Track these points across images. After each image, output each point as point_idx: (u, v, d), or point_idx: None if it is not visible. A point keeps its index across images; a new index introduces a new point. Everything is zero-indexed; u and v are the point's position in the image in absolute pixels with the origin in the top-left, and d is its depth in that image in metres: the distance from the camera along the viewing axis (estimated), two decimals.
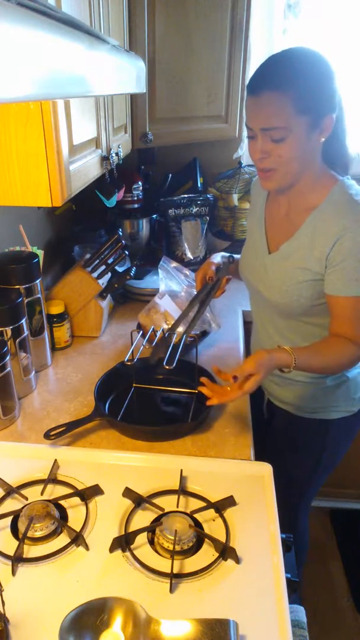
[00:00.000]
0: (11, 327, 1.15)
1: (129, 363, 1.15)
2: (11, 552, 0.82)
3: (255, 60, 1.90)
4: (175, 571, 0.79)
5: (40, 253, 1.39)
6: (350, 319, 1.07)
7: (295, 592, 0.85)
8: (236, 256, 1.39)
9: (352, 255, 1.03)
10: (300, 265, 1.10)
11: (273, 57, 1.03)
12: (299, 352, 1.04)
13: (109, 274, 1.56)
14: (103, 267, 1.54)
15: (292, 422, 1.32)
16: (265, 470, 1.00)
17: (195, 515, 0.90)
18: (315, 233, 1.08)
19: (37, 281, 1.27)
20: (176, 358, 1.12)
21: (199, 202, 2.00)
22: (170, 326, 1.39)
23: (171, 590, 0.78)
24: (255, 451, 1.09)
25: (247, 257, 1.30)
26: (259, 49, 1.92)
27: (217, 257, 1.37)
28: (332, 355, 1.09)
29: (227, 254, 1.39)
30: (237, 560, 0.82)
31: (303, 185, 1.10)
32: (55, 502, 0.92)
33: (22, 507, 0.90)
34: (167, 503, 0.93)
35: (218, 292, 1.33)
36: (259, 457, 1.08)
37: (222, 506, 0.92)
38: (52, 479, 0.99)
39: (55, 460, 1.02)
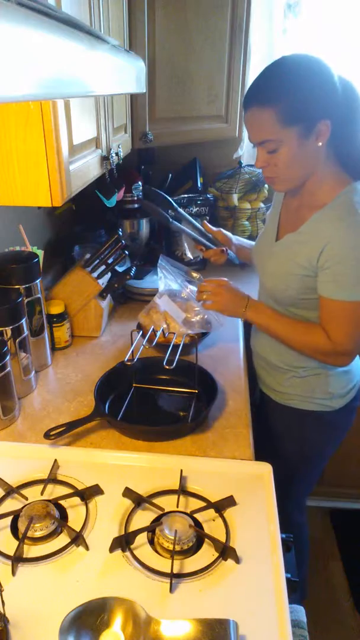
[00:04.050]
0: (11, 327, 1.15)
1: (129, 363, 1.15)
2: (11, 552, 0.82)
3: (255, 60, 1.90)
4: (175, 571, 0.79)
5: (40, 253, 1.39)
6: (333, 320, 1.12)
7: (295, 592, 0.85)
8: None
9: (341, 261, 1.06)
10: (293, 258, 1.15)
11: (263, 71, 1.06)
12: (262, 307, 1.23)
13: (109, 274, 1.56)
14: (103, 267, 1.54)
15: (274, 409, 1.37)
16: (265, 470, 1.00)
17: (195, 515, 0.90)
18: (314, 232, 1.11)
19: (37, 281, 1.27)
20: (176, 358, 1.12)
21: (199, 202, 2.00)
22: (169, 325, 1.39)
23: (171, 590, 0.78)
24: (255, 451, 1.09)
25: (259, 243, 1.36)
26: (259, 49, 1.92)
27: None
28: (299, 331, 1.19)
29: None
30: (237, 560, 0.82)
31: (311, 185, 1.13)
32: (55, 502, 0.92)
33: (22, 507, 0.90)
34: (167, 503, 0.93)
35: (215, 253, 1.49)
36: (259, 457, 1.08)
37: (222, 506, 0.92)
38: (52, 479, 0.99)
39: (55, 460, 1.02)
